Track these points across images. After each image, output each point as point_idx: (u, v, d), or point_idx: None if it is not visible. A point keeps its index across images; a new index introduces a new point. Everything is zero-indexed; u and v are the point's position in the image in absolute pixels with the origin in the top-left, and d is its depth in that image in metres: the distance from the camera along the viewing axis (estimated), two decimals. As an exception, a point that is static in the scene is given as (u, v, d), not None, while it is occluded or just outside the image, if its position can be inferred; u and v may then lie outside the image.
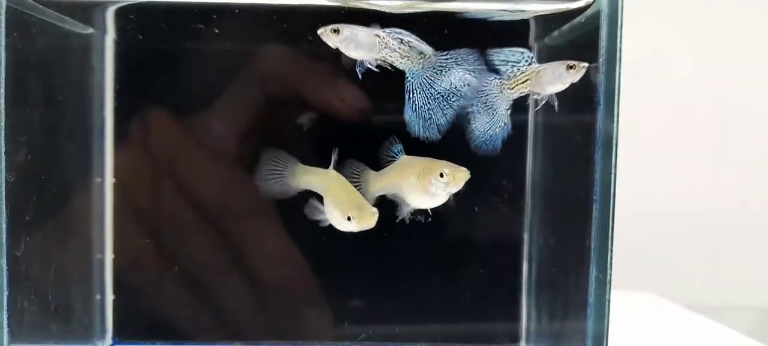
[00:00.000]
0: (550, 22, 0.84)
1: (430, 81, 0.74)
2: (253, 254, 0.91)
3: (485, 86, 0.76)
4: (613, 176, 0.71)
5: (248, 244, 0.91)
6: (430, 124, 0.75)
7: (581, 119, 0.77)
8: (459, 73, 0.74)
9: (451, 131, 0.77)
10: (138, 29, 0.87)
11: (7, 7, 0.69)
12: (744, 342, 1.07)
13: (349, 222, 0.72)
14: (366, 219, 0.72)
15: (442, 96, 0.74)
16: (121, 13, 0.86)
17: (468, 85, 0.74)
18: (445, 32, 0.87)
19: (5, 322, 0.70)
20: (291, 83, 0.89)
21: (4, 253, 0.69)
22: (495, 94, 0.77)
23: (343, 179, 0.78)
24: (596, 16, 0.71)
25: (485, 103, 0.77)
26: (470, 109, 0.76)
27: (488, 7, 0.82)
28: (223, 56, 0.89)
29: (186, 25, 0.87)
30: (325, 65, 0.88)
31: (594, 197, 0.71)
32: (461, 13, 0.84)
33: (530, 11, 0.84)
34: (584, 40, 0.75)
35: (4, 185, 0.69)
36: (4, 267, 0.69)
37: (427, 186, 0.73)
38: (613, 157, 0.71)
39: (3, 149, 0.69)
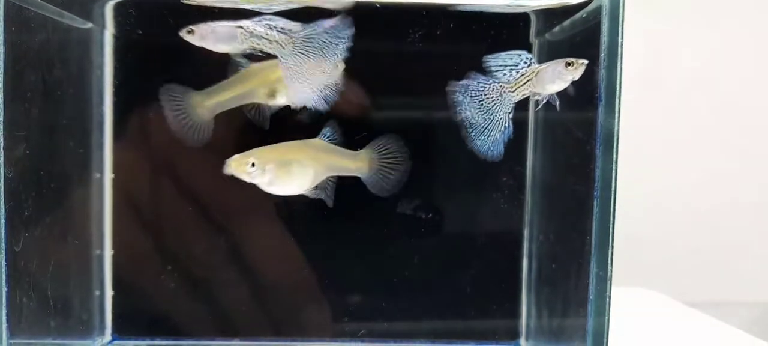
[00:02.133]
0: (551, 17, 0.84)
1: (303, 56, 0.74)
2: (252, 250, 0.91)
3: (484, 90, 0.75)
4: (613, 171, 0.71)
5: (247, 240, 0.91)
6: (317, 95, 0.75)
7: (582, 115, 0.77)
8: (329, 45, 0.74)
9: (452, 129, 0.77)
10: (137, 24, 0.86)
11: (6, 1, 0.69)
12: (742, 338, 1.07)
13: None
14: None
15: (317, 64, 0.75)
16: (120, 8, 0.86)
17: (337, 54, 0.74)
18: (450, 26, 0.87)
19: (4, 318, 0.70)
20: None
21: (3, 248, 0.69)
22: (494, 99, 0.76)
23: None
24: (597, 11, 0.71)
25: (485, 108, 0.76)
26: (466, 115, 0.76)
27: (490, 1, 0.82)
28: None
29: (186, 20, 0.86)
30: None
31: (595, 193, 0.71)
32: (460, 5, 0.84)
33: (530, 6, 0.84)
34: (585, 36, 0.75)
35: (2, 180, 0.69)
36: (3, 263, 0.69)
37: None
38: (614, 152, 0.71)
39: (1, 145, 0.69)
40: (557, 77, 0.74)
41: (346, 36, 0.74)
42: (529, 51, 0.88)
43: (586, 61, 0.73)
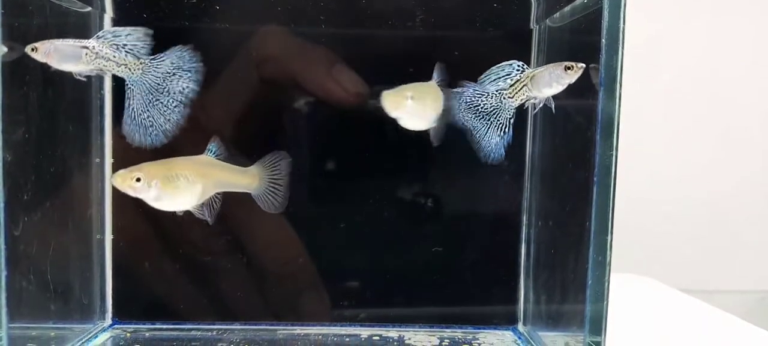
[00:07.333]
0: (552, 3, 0.84)
1: (149, 86, 0.74)
2: (252, 235, 0.91)
3: (480, 98, 0.77)
4: (613, 158, 0.71)
5: (247, 226, 0.91)
6: (153, 130, 0.75)
7: (582, 101, 0.77)
8: (176, 76, 0.74)
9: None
10: (136, 7, 0.86)
11: (5, -16, 0.68)
12: (738, 325, 1.08)
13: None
14: None
15: (163, 101, 0.74)
16: (119, -8, 0.86)
17: (187, 86, 0.75)
18: (450, 11, 0.87)
19: (3, 302, 0.70)
20: (289, 66, 0.89)
21: (2, 233, 0.69)
22: (494, 106, 0.78)
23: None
24: (599, -3, 0.71)
25: (482, 114, 0.78)
26: (464, 121, 0.78)
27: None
28: (222, 36, 0.88)
29: (185, 3, 0.86)
30: (324, 49, 0.88)
31: (594, 179, 0.71)
32: None
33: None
34: (586, 22, 0.75)
35: (1, 164, 0.69)
36: (2, 247, 0.69)
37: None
38: (615, 139, 0.70)
39: (1, 128, 0.68)
40: (554, 81, 0.75)
41: (192, 69, 0.74)
42: (529, 36, 0.89)
43: (584, 65, 0.73)
